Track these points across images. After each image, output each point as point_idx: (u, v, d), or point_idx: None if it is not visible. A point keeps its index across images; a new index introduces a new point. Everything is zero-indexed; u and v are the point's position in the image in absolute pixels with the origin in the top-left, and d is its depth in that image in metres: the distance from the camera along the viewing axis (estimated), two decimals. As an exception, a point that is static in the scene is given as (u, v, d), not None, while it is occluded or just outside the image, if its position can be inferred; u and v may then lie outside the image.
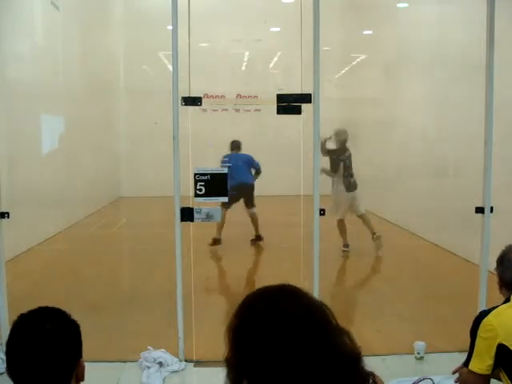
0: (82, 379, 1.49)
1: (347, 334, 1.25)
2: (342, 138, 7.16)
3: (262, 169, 7.83)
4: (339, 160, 7.12)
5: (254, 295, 1.32)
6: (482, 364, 2.26)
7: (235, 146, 7.81)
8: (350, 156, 7.19)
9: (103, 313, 4.87)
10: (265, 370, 1.18)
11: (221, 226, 7.30)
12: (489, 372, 2.26)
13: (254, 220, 7.71)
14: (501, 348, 2.21)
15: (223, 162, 6.93)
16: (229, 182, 7.01)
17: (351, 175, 7.22)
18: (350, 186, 7.18)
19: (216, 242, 7.41)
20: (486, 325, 2.27)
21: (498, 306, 2.39)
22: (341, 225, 7.28)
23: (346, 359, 1.19)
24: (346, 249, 7.26)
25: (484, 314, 2.35)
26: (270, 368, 1.17)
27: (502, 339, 2.21)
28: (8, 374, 1.41)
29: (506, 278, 2.43)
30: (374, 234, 7.18)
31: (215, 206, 4.08)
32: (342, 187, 7.16)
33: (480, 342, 2.28)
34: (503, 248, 2.57)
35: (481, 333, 2.28)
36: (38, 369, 1.38)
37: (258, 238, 7.68)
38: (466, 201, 4.53)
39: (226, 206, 6.29)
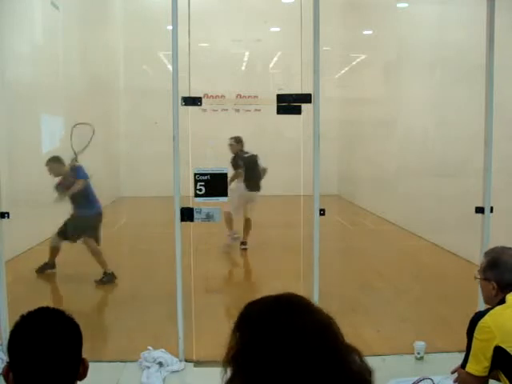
0: (84, 376, 1.49)
1: (357, 352, 1.18)
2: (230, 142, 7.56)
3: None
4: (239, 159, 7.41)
5: (263, 306, 1.19)
6: (478, 366, 2.25)
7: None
8: (251, 157, 7.48)
9: (103, 313, 4.87)
10: None
11: (55, 252, 6.28)
12: (486, 374, 2.25)
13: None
14: (498, 350, 2.20)
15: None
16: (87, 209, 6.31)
17: (254, 176, 7.47)
18: (250, 186, 7.44)
19: (46, 266, 6.25)
20: (483, 326, 2.25)
21: (493, 307, 2.37)
22: (227, 215, 7.34)
23: (356, 378, 1.13)
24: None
25: (480, 314, 2.33)
26: None
27: (499, 341, 2.20)
28: (5, 376, 1.41)
29: (506, 279, 2.40)
30: (243, 242, 7.48)
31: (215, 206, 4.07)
32: (242, 185, 7.42)
33: (476, 343, 2.26)
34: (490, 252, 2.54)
35: (477, 334, 2.26)
36: (42, 370, 1.38)
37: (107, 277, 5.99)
38: (466, 201, 4.53)
39: (64, 237, 6.00)
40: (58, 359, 1.40)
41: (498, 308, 2.34)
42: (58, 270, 6.32)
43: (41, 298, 4.89)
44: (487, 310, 2.35)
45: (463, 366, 2.33)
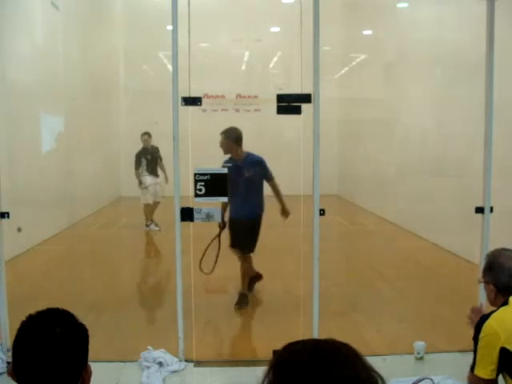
0: (88, 383, 1.45)
1: None
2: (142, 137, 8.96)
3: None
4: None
5: (302, 351, 1.10)
6: (486, 369, 2.24)
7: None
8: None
9: (103, 313, 4.87)
10: None
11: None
12: (493, 376, 2.25)
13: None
14: (503, 352, 2.20)
15: None
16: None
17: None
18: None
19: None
20: (487, 329, 2.25)
21: (496, 310, 2.37)
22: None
23: None
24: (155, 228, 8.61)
25: (485, 318, 2.33)
26: None
27: (503, 342, 2.20)
28: (10, 374, 1.40)
29: (502, 282, 2.39)
30: (149, 222, 8.72)
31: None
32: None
33: (482, 346, 2.26)
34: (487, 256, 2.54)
35: (482, 337, 2.26)
36: (44, 372, 1.35)
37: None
38: (466, 201, 4.53)
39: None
40: (62, 363, 1.36)
41: (500, 310, 2.34)
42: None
43: (41, 297, 4.88)
44: (490, 314, 2.35)
45: (472, 369, 2.32)
